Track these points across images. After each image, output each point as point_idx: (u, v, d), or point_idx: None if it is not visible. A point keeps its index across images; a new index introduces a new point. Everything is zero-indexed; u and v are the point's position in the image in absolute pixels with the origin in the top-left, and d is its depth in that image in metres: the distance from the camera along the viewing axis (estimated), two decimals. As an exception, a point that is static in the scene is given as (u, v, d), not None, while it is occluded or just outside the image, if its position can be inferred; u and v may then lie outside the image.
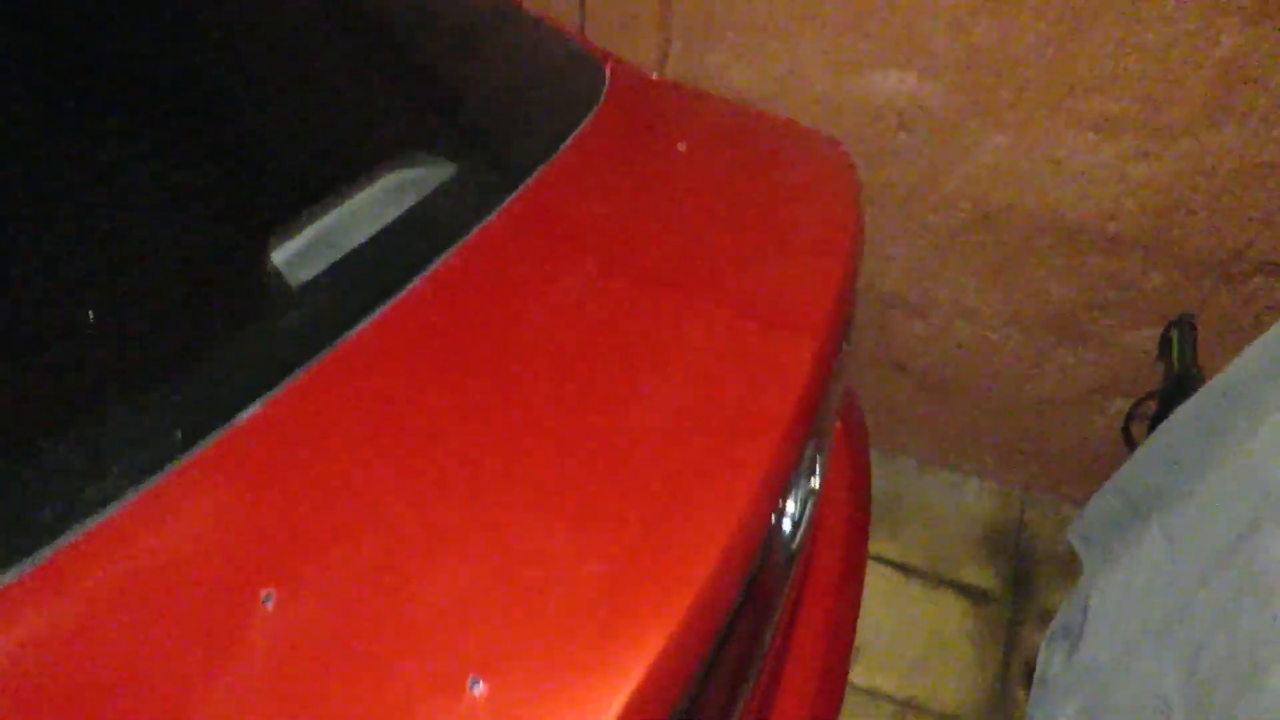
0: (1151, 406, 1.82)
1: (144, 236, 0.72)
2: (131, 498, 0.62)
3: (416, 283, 0.81)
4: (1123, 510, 1.41)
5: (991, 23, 1.59)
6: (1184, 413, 1.32)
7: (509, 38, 1.20)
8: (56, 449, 0.62)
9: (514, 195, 0.95)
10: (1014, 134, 1.68)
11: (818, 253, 1.01)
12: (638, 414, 0.76)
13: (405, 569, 0.62)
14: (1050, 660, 1.39)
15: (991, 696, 1.80)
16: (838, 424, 1.48)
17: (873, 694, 1.80)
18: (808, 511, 0.93)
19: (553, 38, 1.27)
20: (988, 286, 1.91)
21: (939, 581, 2.02)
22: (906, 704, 1.79)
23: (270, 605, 0.58)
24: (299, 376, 0.71)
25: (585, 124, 1.10)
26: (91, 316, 0.65)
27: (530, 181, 0.97)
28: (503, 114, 1.09)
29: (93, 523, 0.60)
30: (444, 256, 0.85)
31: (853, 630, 1.33)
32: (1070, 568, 2.01)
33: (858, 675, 1.81)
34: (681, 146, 1.14)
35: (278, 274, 0.75)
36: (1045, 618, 1.92)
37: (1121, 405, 1.95)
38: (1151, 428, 1.52)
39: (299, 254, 0.77)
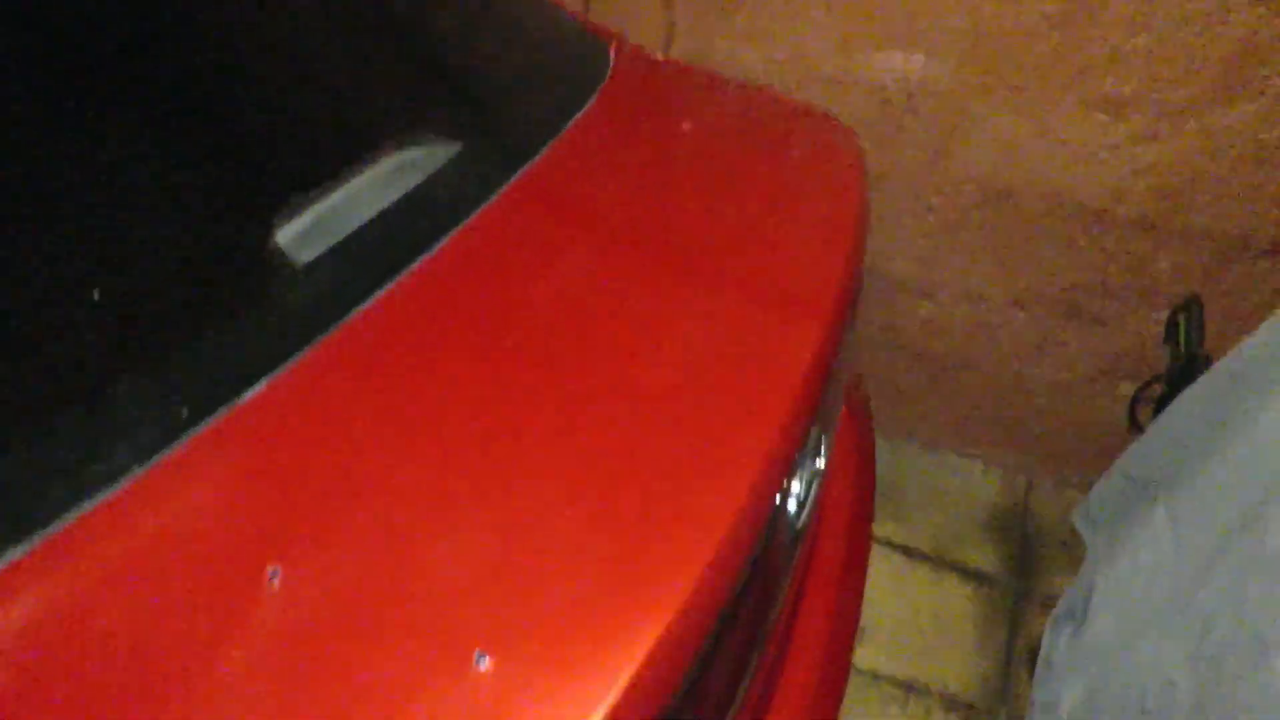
0: (1157, 390, 1.81)
1: (149, 216, 0.72)
2: (137, 475, 0.62)
3: (421, 262, 0.81)
4: (1128, 492, 1.40)
5: (1000, 2, 1.57)
6: (1191, 395, 1.31)
7: (513, 17, 1.19)
8: (63, 426, 0.62)
9: (518, 175, 0.94)
10: (1021, 115, 1.67)
11: (824, 232, 1.00)
12: (643, 393, 0.76)
13: (410, 546, 0.62)
14: (1055, 642, 1.40)
15: (995, 679, 1.81)
16: (842, 407, 1.48)
17: (876, 676, 1.80)
18: (813, 492, 0.93)
19: (557, 18, 1.26)
20: (994, 269, 1.90)
21: (943, 564, 2.02)
22: (909, 686, 1.79)
23: (276, 582, 0.58)
24: (304, 355, 0.71)
25: (590, 104, 1.09)
26: (97, 295, 0.65)
27: (534, 162, 0.97)
28: (507, 94, 1.08)
29: (99, 499, 0.60)
30: (448, 236, 0.85)
31: (857, 612, 1.33)
32: (1074, 551, 2.01)
33: (861, 657, 1.82)
34: (687, 126, 1.14)
35: (282, 253, 0.75)
36: (1049, 601, 1.93)
37: (1127, 388, 1.94)
38: (1157, 411, 1.52)
39: (303, 234, 0.77)
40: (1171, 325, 1.76)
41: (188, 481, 0.63)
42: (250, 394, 0.68)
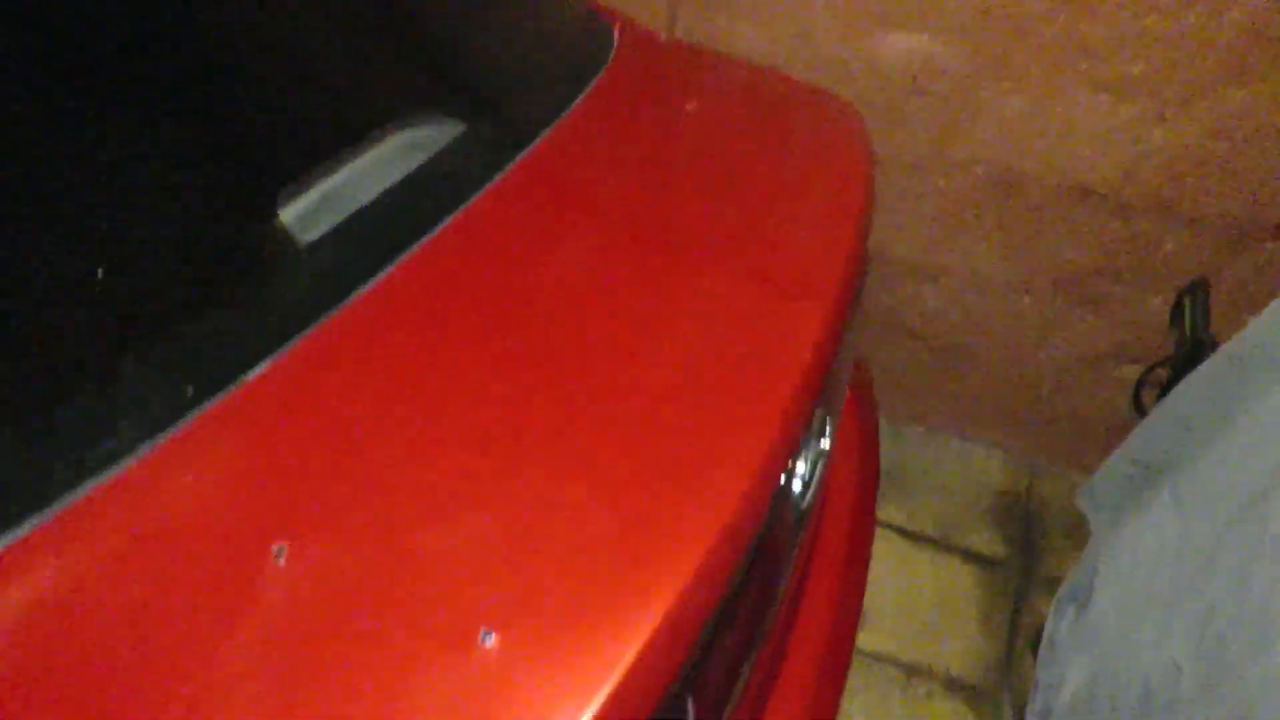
0: (1162, 374, 1.80)
1: (154, 194, 0.72)
2: (143, 453, 0.62)
3: (425, 242, 0.81)
4: (1133, 475, 1.40)
5: (1007, -18, 1.56)
6: (1197, 378, 1.31)
7: (517, -3, 1.18)
8: (69, 405, 0.62)
9: (522, 155, 0.94)
10: (1028, 96, 1.66)
11: (829, 213, 1.00)
12: (648, 372, 0.76)
13: (416, 524, 0.62)
14: (1059, 624, 1.40)
15: (998, 662, 1.82)
16: (847, 391, 1.47)
17: (879, 659, 1.81)
18: (817, 473, 0.93)
19: (561, -2, 1.26)
20: (999, 252, 1.89)
21: (947, 548, 2.02)
22: (912, 669, 1.80)
23: (281, 560, 0.58)
24: (309, 334, 0.71)
25: (594, 84, 1.08)
26: (102, 274, 0.65)
27: (539, 141, 0.96)
28: (511, 73, 1.07)
29: (104, 478, 0.60)
30: (452, 217, 0.84)
31: (861, 595, 1.33)
32: (1078, 535, 2.02)
33: (864, 640, 1.83)
34: (691, 106, 1.13)
35: (286, 232, 0.75)
36: (1052, 584, 1.93)
37: (1132, 372, 1.94)
38: (1162, 395, 1.51)
39: (307, 213, 0.77)
40: (1177, 309, 1.76)
41: (193, 460, 0.63)
42: (255, 372, 0.68)
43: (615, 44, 1.20)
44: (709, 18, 1.81)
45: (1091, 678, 1.18)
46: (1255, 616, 0.96)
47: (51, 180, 0.66)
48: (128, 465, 0.61)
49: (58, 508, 0.58)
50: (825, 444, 0.96)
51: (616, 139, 1.04)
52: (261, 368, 0.68)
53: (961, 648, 1.84)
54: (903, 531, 2.05)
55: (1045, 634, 1.42)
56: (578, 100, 1.05)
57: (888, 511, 2.07)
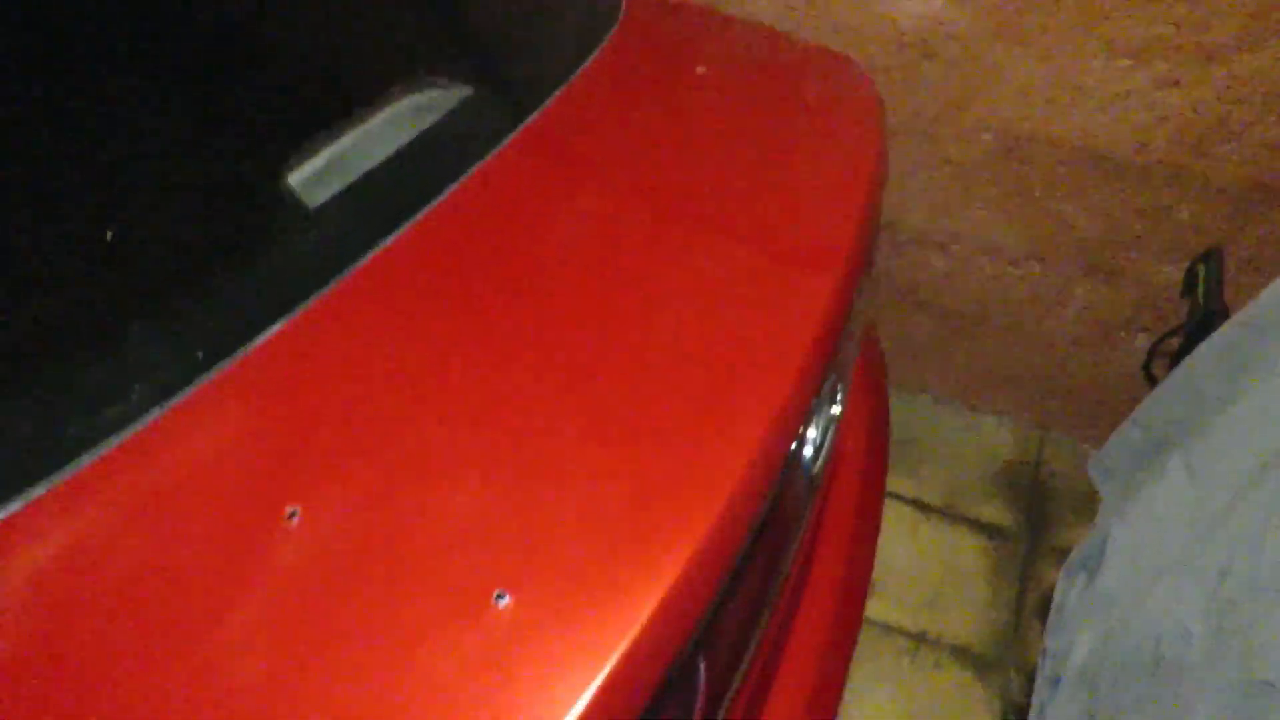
0: (1174, 343, 1.79)
1: (161, 159, 0.71)
2: (154, 417, 0.62)
3: (435, 204, 0.80)
4: (1145, 443, 1.40)
5: (1021, -57, 1.53)
6: (1210, 345, 1.30)
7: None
8: (80, 370, 0.62)
9: (531, 119, 0.93)
10: (1041, 61, 1.63)
11: (841, 177, 0.98)
12: (659, 337, 0.75)
13: (428, 486, 0.62)
14: (1068, 591, 1.40)
15: (1005, 631, 1.82)
16: (857, 360, 1.47)
17: (886, 627, 1.82)
18: (828, 438, 0.93)
19: (568, -40, 1.24)
20: (1011, 220, 1.87)
21: (955, 518, 2.03)
22: (920, 637, 1.81)
23: (295, 522, 0.58)
24: (320, 296, 0.71)
25: (603, 46, 1.07)
26: (110, 237, 0.65)
27: (547, 105, 0.95)
28: (519, 36, 1.06)
29: (117, 442, 0.60)
30: (461, 179, 0.84)
31: (870, 564, 1.34)
32: (1087, 505, 2.01)
33: (873, 609, 1.83)
34: (701, 69, 1.11)
35: (294, 195, 0.74)
36: (1061, 554, 1.93)
37: (1143, 342, 1.93)
38: (1174, 364, 1.50)
39: (315, 176, 0.76)
40: (1191, 276, 1.74)
41: (204, 424, 0.63)
42: (265, 337, 0.67)
43: (624, 5, 1.18)
44: (718, -18, 1.78)
45: (1101, 643, 1.18)
46: (1268, 580, 0.95)
47: (61, 146, 0.66)
48: (139, 429, 0.61)
49: (71, 471, 0.58)
50: (836, 409, 0.95)
51: (625, 102, 1.03)
52: (271, 332, 0.68)
53: (969, 617, 1.84)
54: (911, 501, 2.05)
55: (1054, 601, 1.42)
56: (586, 63, 1.04)
57: (897, 481, 2.07)
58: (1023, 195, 1.83)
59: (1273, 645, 0.90)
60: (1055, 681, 1.28)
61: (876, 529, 1.38)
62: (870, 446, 1.41)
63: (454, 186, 0.83)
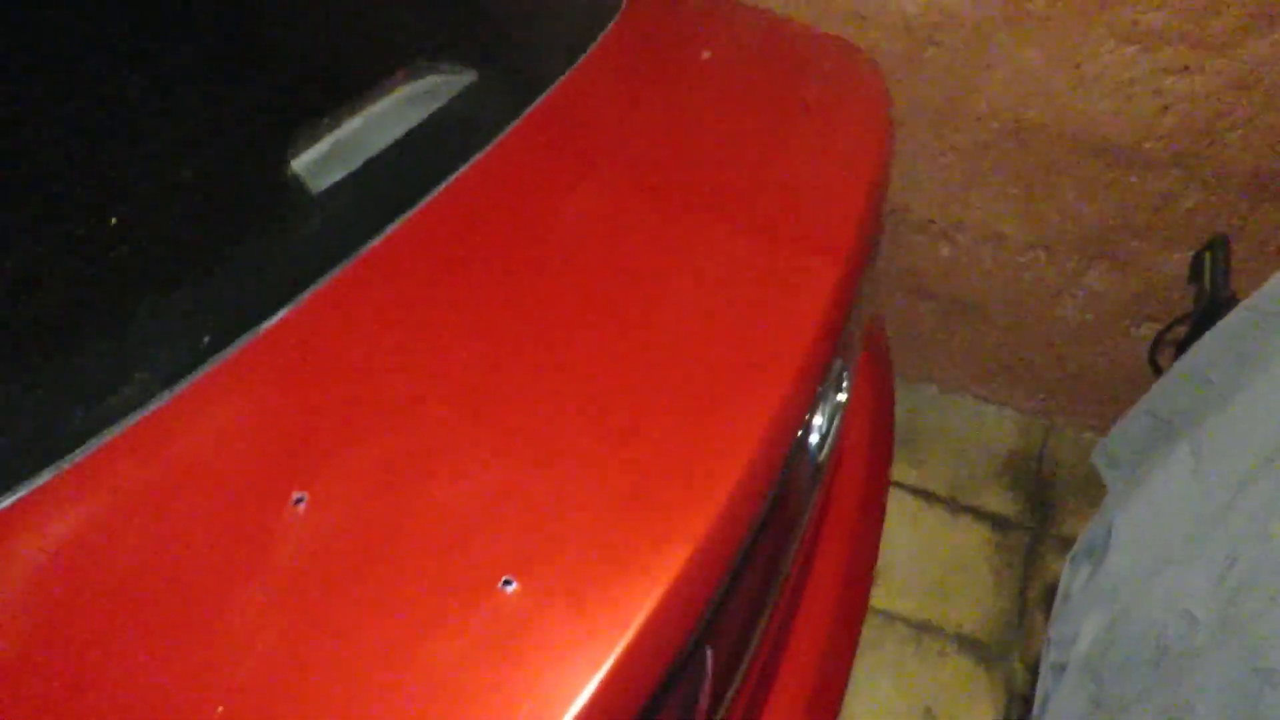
0: (1179, 332, 1.78)
1: (165, 144, 0.71)
2: (161, 402, 0.62)
3: (439, 191, 0.80)
4: (1151, 430, 1.39)
5: (1027, -72, 1.52)
6: (1217, 332, 1.29)
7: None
8: (86, 354, 0.62)
9: (535, 104, 0.92)
10: (1047, 47, 1.62)
11: (848, 162, 0.98)
12: (665, 324, 0.75)
13: (436, 472, 0.62)
14: (1073, 579, 1.40)
15: (1009, 620, 1.82)
16: (862, 349, 1.46)
17: (890, 616, 1.82)
18: (834, 425, 0.93)
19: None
20: (1016, 208, 1.86)
21: (959, 508, 2.02)
22: (924, 626, 1.81)
23: (301, 507, 0.58)
24: (326, 280, 0.70)
25: (608, 30, 1.06)
26: (115, 222, 0.64)
27: (552, 89, 0.95)
28: (523, 20, 1.05)
29: (123, 427, 0.60)
30: (466, 165, 0.83)
31: (874, 554, 1.34)
32: (1092, 494, 2.01)
33: (877, 599, 1.83)
34: (706, 54, 1.11)
35: (298, 181, 0.74)
36: (1065, 544, 1.93)
37: (1149, 331, 1.92)
38: (1179, 353, 1.50)
39: (319, 161, 0.76)
40: (1197, 265, 1.73)
41: (211, 409, 0.63)
42: (271, 322, 0.67)
43: (629, -10, 1.18)
44: (721, -31, 1.77)
45: (1107, 632, 1.18)
46: (1273, 566, 0.95)
47: (64, 132, 0.65)
48: (146, 414, 0.61)
49: (77, 458, 0.58)
50: (842, 397, 0.95)
51: (630, 88, 1.02)
52: (277, 318, 0.67)
53: (973, 606, 1.84)
54: (915, 491, 2.05)
55: (1059, 590, 1.42)
56: (591, 47, 1.03)
57: (900, 471, 2.07)
58: (1028, 183, 1.82)
59: (1279, 637, 0.90)
60: (1060, 670, 1.28)
61: (881, 519, 1.38)
62: (875, 436, 1.41)
63: (458, 173, 0.82)
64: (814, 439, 0.88)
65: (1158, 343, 1.86)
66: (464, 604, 0.56)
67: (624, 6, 1.13)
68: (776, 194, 0.92)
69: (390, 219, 0.76)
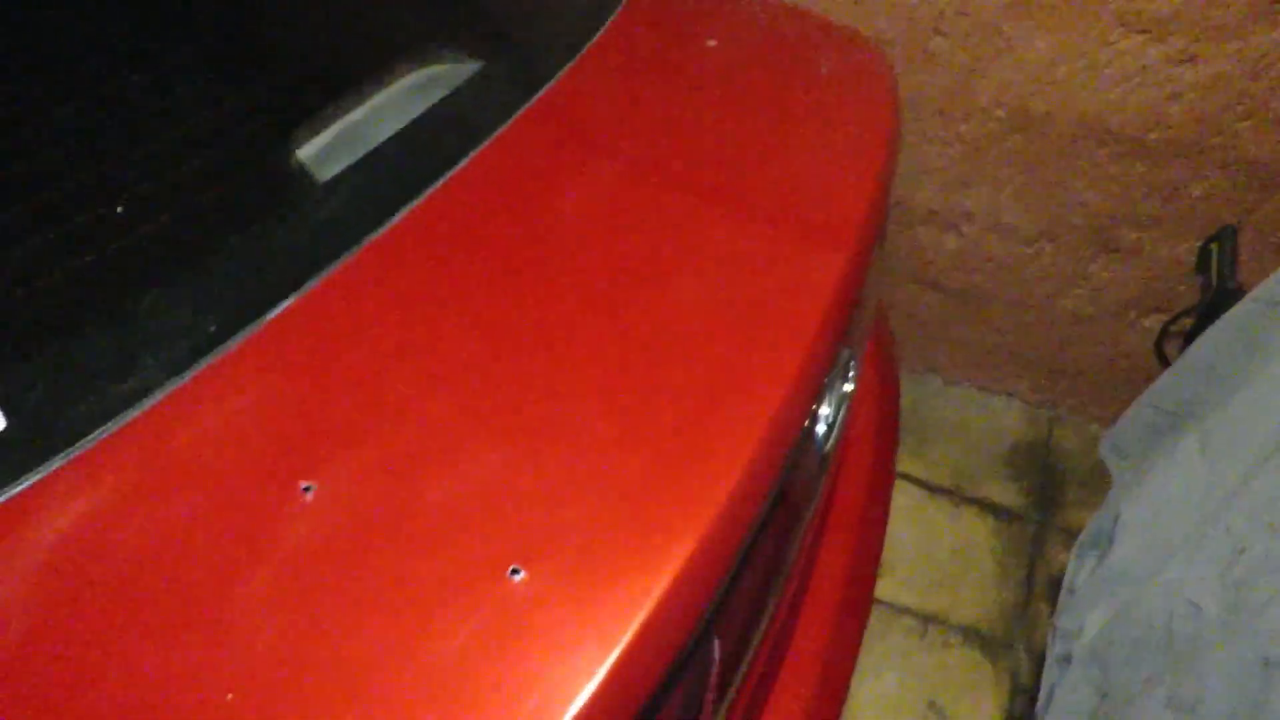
0: (1185, 323, 1.78)
1: (172, 132, 0.70)
2: (168, 390, 0.62)
3: (446, 179, 0.80)
4: (1157, 421, 1.39)
5: (1035, -84, 1.51)
6: (1224, 323, 1.29)
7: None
8: (91, 343, 0.62)
9: (540, 93, 0.92)
10: (1055, 36, 1.61)
11: (854, 151, 0.97)
12: (673, 311, 0.75)
13: (443, 461, 0.62)
14: (1079, 570, 1.40)
15: (1014, 611, 1.82)
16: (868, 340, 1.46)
17: (894, 607, 1.82)
18: (841, 415, 0.92)
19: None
20: (1022, 199, 1.86)
21: (964, 499, 2.02)
22: (928, 618, 1.81)
23: (310, 496, 0.58)
24: (333, 269, 0.70)
25: (613, 20, 1.06)
26: (121, 210, 0.64)
27: (557, 79, 0.94)
28: (529, 8, 1.05)
29: (130, 415, 0.60)
30: (472, 154, 0.83)
31: (880, 546, 1.34)
32: (1097, 486, 2.01)
33: (882, 590, 1.83)
34: (712, 43, 1.10)
35: (305, 169, 0.73)
36: (1070, 535, 1.93)
37: (1155, 322, 1.92)
38: (1185, 344, 1.49)
39: (325, 150, 0.76)
40: (1204, 255, 1.73)
41: (218, 398, 0.63)
42: (278, 311, 0.67)
43: (634, -20, 1.17)
44: (726, -42, 1.76)
45: (1113, 622, 1.18)
46: (1281, 557, 0.95)
47: (72, 120, 0.65)
48: (154, 403, 0.61)
49: (85, 446, 0.58)
50: (849, 386, 0.94)
51: (637, 76, 1.02)
52: (284, 306, 0.67)
53: (978, 597, 1.84)
54: (920, 482, 2.05)
55: (1065, 581, 1.42)
56: (597, 36, 1.02)
57: (906, 462, 2.07)
58: (1034, 173, 1.81)
59: (1287, 623, 0.90)
60: (1066, 660, 1.28)
61: (887, 510, 1.38)
62: (880, 427, 1.41)
63: (464, 161, 0.82)
64: (821, 429, 0.88)
65: (1164, 334, 1.85)
66: (472, 593, 0.56)
67: (630, -6, 1.13)
68: (782, 182, 0.92)
69: (398, 207, 0.75)
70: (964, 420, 2.19)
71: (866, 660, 1.72)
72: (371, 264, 0.72)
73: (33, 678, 0.50)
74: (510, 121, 0.88)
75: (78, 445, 0.58)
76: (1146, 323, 1.94)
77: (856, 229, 0.86)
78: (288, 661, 0.52)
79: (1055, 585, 1.84)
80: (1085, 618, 1.26)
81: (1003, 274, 2.00)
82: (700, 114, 0.99)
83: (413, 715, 0.50)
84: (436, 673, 0.52)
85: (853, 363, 0.96)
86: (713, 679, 0.70)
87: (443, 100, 0.86)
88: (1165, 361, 1.81)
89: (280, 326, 0.67)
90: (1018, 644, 1.77)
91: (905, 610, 1.82)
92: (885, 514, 1.37)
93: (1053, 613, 1.50)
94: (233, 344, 0.65)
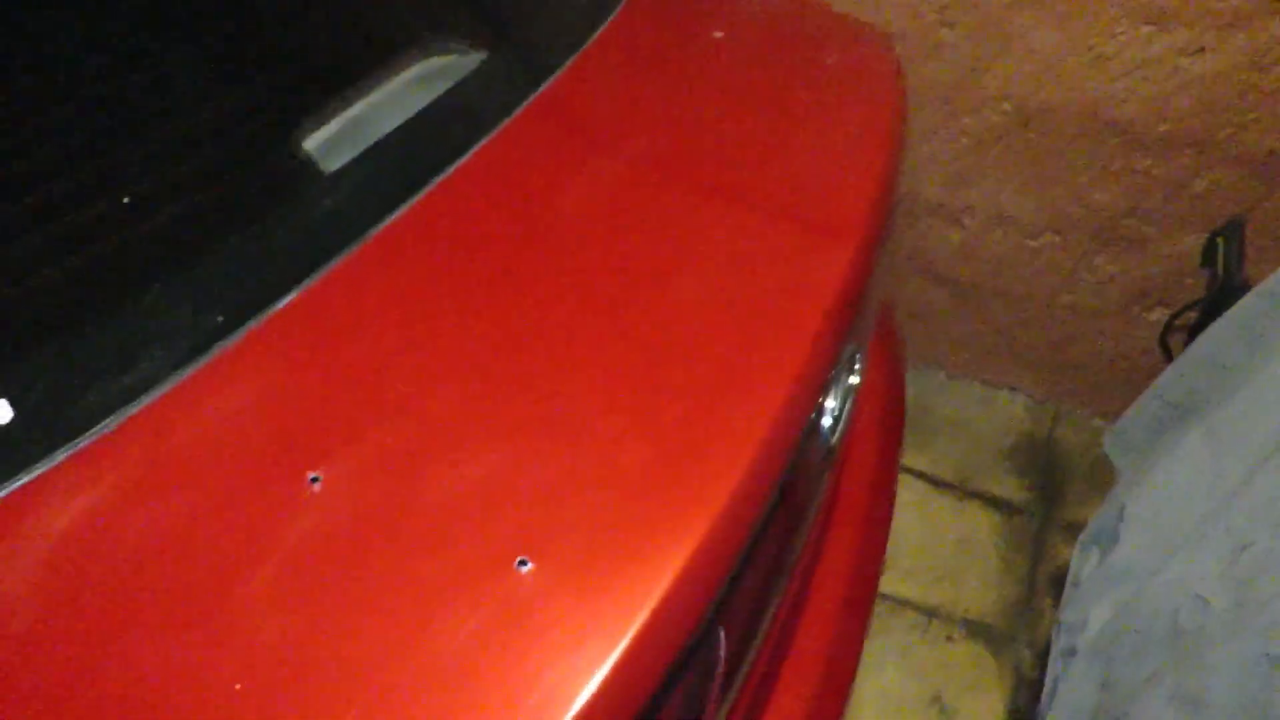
0: (1190, 318, 1.77)
1: (177, 123, 0.70)
2: (174, 382, 0.61)
3: (451, 170, 0.79)
4: (1163, 415, 1.39)
5: (1042, -93, 1.50)
6: (1230, 317, 1.29)
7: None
8: (98, 335, 0.61)
9: (546, 84, 0.91)
10: (1061, 27, 1.61)
11: (861, 143, 0.97)
12: (679, 303, 0.75)
13: (451, 452, 0.62)
14: (1083, 564, 1.39)
15: (1017, 606, 1.82)
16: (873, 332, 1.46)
17: (897, 601, 1.82)
18: (847, 408, 0.92)
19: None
20: (1027, 192, 1.85)
21: (968, 493, 2.02)
22: (932, 612, 1.81)
23: (318, 488, 0.58)
24: (338, 260, 0.70)
25: (619, 9, 1.05)
26: (127, 201, 0.64)
27: (563, 70, 0.94)
28: (533, 0, 1.04)
29: (136, 407, 0.60)
30: (477, 145, 0.83)
31: (884, 540, 1.33)
32: (1100, 480, 2.01)
33: (885, 584, 1.83)
34: (718, 34, 1.09)
35: (311, 160, 0.73)
36: (1074, 530, 1.92)
37: (1159, 316, 1.91)
38: (1191, 338, 1.49)
39: (330, 141, 0.75)
40: (1210, 248, 1.72)
41: (224, 390, 0.62)
42: (284, 302, 0.67)
43: (639, -30, 1.16)
44: (731, -50, 1.75)
45: (1118, 616, 1.18)
46: (1288, 552, 0.95)
47: (76, 111, 0.65)
48: (160, 394, 0.61)
49: (92, 436, 0.58)
50: (855, 379, 0.94)
51: (643, 67, 1.01)
52: (290, 298, 0.67)
53: (982, 592, 1.84)
54: (924, 476, 2.05)
55: (1070, 575, 1.42)
56: (603, 27, 1.02)
57: (910, 456, 2.07)
58: (1040, 166, 1.81)
59: (1293, 617, 0.90)
60: (1070, 655, 1.28)
61: (891, 503, 1.38)
62: (885, 421, 1.40)
63: (470, 153, 0.82)
64: (826, 422, 0.87)
65: (1168, 327, 1.85)
66: (478, 585, 0.56)
67: (635, -15, 1.12)
68: (789, 175, 0.91)
69: (401, 201, 0.75)
70: (967, 415, 2.19)
71: (869, 654, 1.71)
72: (376, 257, 0.72)
73: (37, 672, 0.50)
74: (515, 114, 0.87)
75: (84, 437, 0.58)
76: (1151, 317, 1.94)
77: (862, 223, 0.86)
78: (295, 652, 0.52)
79: (1058, 579, 1.84)
80: (1089, 612, 1.26)
81: (1007, 268, 1.99)
82: (707, 104, 0.99)
83: (423, 703, 0.50)
84: (445, 661, 0.52)
85: (859, 356, 0.96)
86: (719, 672, 0.70)
87: (447, 93, 0.86)
88: (1169, 355, 1.80)
89: (285, 319, 0.67)
90: (1021, 638, 1.77)
91: (908, 604, 1.82)
92: (890, 507, 1.37)
93: (1056, 607, 1.50)
94: (238, 337, 0.65)
